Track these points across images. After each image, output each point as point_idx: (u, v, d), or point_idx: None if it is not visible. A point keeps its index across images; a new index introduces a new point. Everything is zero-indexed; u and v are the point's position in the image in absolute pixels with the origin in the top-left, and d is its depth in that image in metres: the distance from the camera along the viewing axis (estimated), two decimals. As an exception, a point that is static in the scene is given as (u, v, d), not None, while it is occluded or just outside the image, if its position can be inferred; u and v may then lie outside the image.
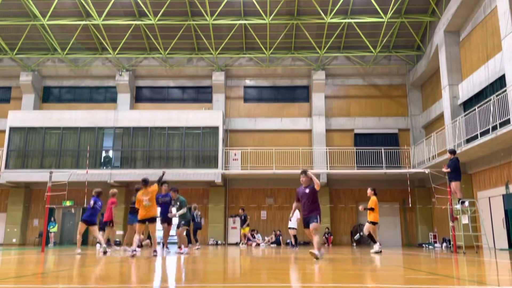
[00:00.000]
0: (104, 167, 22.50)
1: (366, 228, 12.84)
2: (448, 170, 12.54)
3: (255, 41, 23.26)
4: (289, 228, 17.02)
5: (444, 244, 18.48)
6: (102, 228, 17.56)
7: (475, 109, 16.02)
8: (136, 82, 25.46)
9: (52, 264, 7.50)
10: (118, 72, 24.52)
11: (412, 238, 23.10)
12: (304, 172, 8.88)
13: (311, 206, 8.67)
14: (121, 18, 22.29)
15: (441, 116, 20.87)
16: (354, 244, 22.11)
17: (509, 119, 13.76)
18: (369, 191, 13.02)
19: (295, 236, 16.92)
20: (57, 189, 14.99)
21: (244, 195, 23.63)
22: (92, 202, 11.86)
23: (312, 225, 8.51)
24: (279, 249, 15.78)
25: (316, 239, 8.51)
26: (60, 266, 6.90)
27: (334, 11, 21.02)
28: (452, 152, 13.01)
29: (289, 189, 23.41)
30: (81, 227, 12.05)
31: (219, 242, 22.42)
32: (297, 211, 16.80)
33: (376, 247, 12.29)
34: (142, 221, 9.86)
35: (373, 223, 12.63)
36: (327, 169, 22.42)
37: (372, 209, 12.57)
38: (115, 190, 14.19)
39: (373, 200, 12.68)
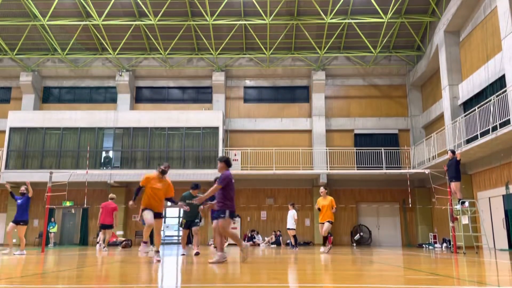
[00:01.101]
0: (104, 168, 22.50)
1: (327, 228, 12.47)
2: (459, 158, 12.59)
3: (255, 42, 23.27)
4: (288, 229, 16.96)
5: (444, 245, 18.48)
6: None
7: (475, 110, 16.03)
8: (136, 82, 25.47)
9: (52, 265, 7.50)
10: (118, 73, 24.53)
11: (412, 239, 23.09)
12: (219, 158, 8.13)
13: (220, 197, 7.74)
14: (121, 18, 22.30)
15: (441, 117, 20.88)
16: (354, 244, 22.13)
17: (509, 120, 13.76)
18: (323, 190, 12.67)
19: (294, 237, 16.89)
20: (57, 190, 15.00)
21: (244, 196, 23.62)
22: (19, 202, 11.86)
23: (218, 222, 7.65)
24: (279, 250, 15.77)
25: (218, 239, 7.68)
26: (60, 267, 6.90)
27: (334, 11, 21.02)
28: (453, 152, 13.02)
29: (289, 190, 23.44)
30: (12, 227, 11.80)
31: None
32: (294, 211, 16.88)
33: (326, 248, 12.34)
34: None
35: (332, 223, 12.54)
36: (327, 169, 22.42)
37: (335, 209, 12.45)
38: (114, 195, 15.15)
39: (333, 199, 12.54)
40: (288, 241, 20.50)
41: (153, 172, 8.49)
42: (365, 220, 23.55)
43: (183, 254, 10.43)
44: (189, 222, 10.94)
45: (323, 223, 12.50)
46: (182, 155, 22.25)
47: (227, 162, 8.04)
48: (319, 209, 12.69)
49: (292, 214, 16.62)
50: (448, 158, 13.38)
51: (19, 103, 24.87)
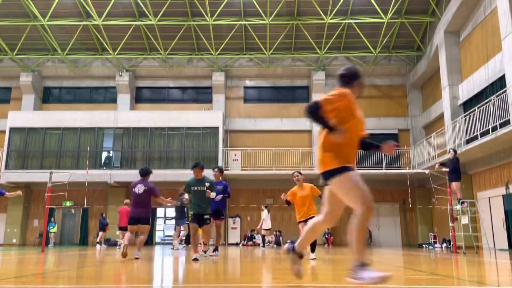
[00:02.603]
0: (104, 168, 22.49)
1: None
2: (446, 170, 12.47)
3: (255, 42, 23.26)
4: (267, 229, 17.38)
5: (444, 245, 18.47)
6: (102, 229, 18.07)
7: (475, 110, 16.03)
8: (136, 82, 25.46)
9: (52, 265, 7.50)
10: (118, 73, 24.52)
11: (412, 239, 23.09)
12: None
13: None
14: (121, 18, 22.30)
15: (441, 117, 20.87)
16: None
17: (509, 120, 13.75)
18: (298, 174, 9.37)
19: (263, 236, 17.39)
20: (57, 190, 14.99)
21: (244, 196, 23.61)
22: None
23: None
24: (278, 250, 15.77)
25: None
26: (60, 266, 6.90)
27: (334, 11, 21.02)
28: (455, 151, 13.00)
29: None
30: None
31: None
32: (265, 211, 17.53)
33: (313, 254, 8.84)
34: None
35: None
36: (327, 169, 22.38)
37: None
38: (127, 200, 16.14)
39: (314, 186, 9.20)
40: (288, 240, 20.59)
41: None
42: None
43: (195, 259, 7.84)
44: (199, 215, 8.34)
45: (305, 221, 8.56)
46: (182, 155, 22.24)
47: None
48: (288, 202, 9.18)
49: (266, 216, 17.29)
50: (448, 158, 13.37)
51: (19, 104, 24.86)
